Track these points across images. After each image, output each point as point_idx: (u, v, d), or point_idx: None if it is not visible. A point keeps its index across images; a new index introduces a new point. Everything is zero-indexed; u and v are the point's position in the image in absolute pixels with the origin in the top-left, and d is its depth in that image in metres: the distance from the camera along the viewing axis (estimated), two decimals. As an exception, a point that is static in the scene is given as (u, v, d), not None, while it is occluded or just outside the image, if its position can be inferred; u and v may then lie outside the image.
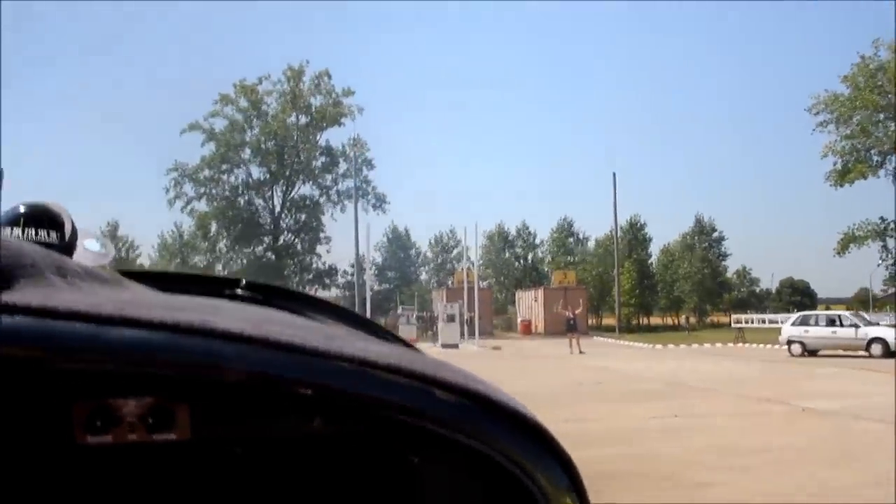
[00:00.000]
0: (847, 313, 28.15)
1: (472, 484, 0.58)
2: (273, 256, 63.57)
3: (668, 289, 68.10)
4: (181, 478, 0.53)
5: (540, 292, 53.91)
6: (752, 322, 44.32)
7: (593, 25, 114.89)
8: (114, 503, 0.54)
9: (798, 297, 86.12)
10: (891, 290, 65.88)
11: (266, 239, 64.50)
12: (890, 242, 61.25)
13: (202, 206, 62.54)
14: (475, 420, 0.54)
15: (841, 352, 26.43)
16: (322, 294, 60.08)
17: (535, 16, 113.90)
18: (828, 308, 77.88)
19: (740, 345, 37.00)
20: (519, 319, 54.96)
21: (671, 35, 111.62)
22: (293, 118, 62.19)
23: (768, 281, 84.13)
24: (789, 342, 27.67)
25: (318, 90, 61.95)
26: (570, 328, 33.10)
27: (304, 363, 0.49)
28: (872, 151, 59.57)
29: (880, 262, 63.96)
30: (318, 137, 63.18)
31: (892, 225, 60.13)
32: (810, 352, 26.95)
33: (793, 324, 28.18)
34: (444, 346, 36.05)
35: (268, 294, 0.83)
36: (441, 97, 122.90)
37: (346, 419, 0.53)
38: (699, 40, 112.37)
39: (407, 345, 0.77)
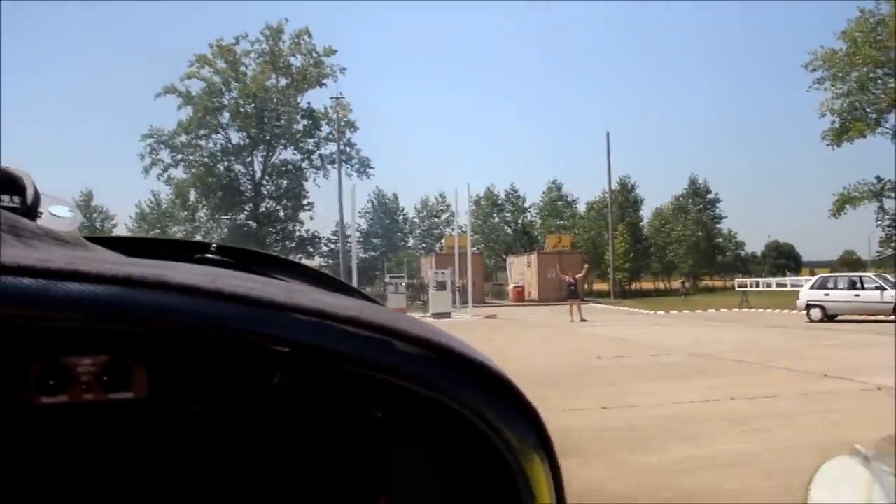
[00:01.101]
0: (871, 275, 26.33)
1: (438, 438, 0.57)
2: (254, 224, 61.34)
3: (661, 253, 66.39)
4: (139, 437, 0.52)
5: (533, 257, 51.89)
6: (758, 285, 42.49)
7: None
8: (71, 464, 0.53)
9: (783, 260, 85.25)
10: (888, 252, 64.40)
11: (247, 206, 62.37)
12: (887, 203, 59.97)
13: (179, 173, 60.45)
14: (438, 372, 0.53)
15: (862, 316, 24.79)
16: (305, 263, 58.03)
17: None
18: (813, 272, 76.98)
19: (746, 310, 35.41)
20: (511, 286, 53.07)
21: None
22: (273, 79, 59.73)
23: (754, 244, 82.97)
24: (808, 306, 25.94)
25: (298, 49, 59.56)
26: (571, 294, 31.26)
27: (261, 315, 0.48)
28: (869, 109, 57.97)
29: (878, 222, 62.36)
30: (298, 99, 60.97)
31: (888, 185, 58.86)
32: (829, 317, 25.30)
33: (812, 287, 26.39)
34: (436, 315, 34.13)
35: (238, 257, 0.82)
36: (426, 56, 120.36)
37: (306, 373, 0.53)
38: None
39: (371, 300, 0.75)
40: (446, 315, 34.51)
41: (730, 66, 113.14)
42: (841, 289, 25.35)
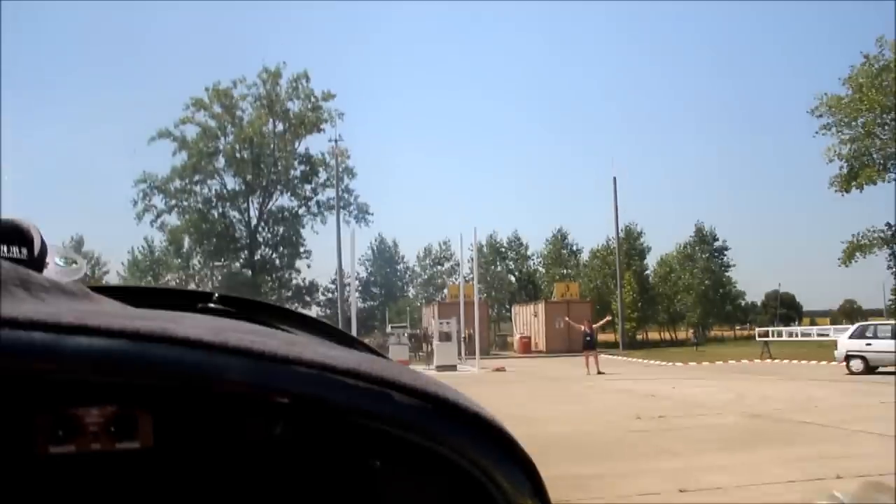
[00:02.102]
0: None
1: (435, 488, 0.58)
2: (250, 272, 59.35)
3: (668, 302, 64.33)
4: (145, 486, 0.53)
5: (541, 306, 49.78)
6: (780, 335, 40.22)
7: (588, 27, 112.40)
8: None
9: (784, 309, 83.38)
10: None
11: (242, 254, 60.40)
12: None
13: (173, 219, 58.59)
14: (435, 423, 0.54)
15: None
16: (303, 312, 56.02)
17: (527, 16, 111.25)
18: (813, 322, 75.16)
19: (769, 360, 33.35)
20: (517, 336, 50.92)
21: (667, 36, 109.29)
22: (270, 124, 58.29)
23: (753, 293, 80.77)
24: (848, 357, 23.92)
25: (295, 94, 58.25)
26: (587, 346, 29.15)
27: (264, 368, 0.50)
28: (876, 155, 56.76)
29: (890, 269, 60.48)
30: (296, 145, 59.42)
31: (899, 231, 57.36)
32: (870, 368, 23.28)
33: (851, 336, 24.38)
34: (440, 367, 32.00)
35: (239, 307, 0.83)
36: (427, 102, 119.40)
37: (307, 424, 0.53)
38: (696, 42, 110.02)
39: (373, 351, 0.77)
40: (451, 367, 32.36)
41: (734, 111, 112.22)
42: (883, 338, 23.36)
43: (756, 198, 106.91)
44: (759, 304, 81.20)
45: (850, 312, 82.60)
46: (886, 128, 55.83)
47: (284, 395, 0.50)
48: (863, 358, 23.50)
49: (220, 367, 0.48)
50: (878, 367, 23.30)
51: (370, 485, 0.57)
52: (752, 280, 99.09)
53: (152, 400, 0.51)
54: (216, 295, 0.86)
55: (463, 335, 35.88)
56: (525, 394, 19.74)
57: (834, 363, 27.03)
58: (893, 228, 56.96)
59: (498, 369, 31.73)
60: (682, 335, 66.95)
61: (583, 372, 27.74)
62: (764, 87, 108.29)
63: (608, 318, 38.15)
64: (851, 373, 23.48)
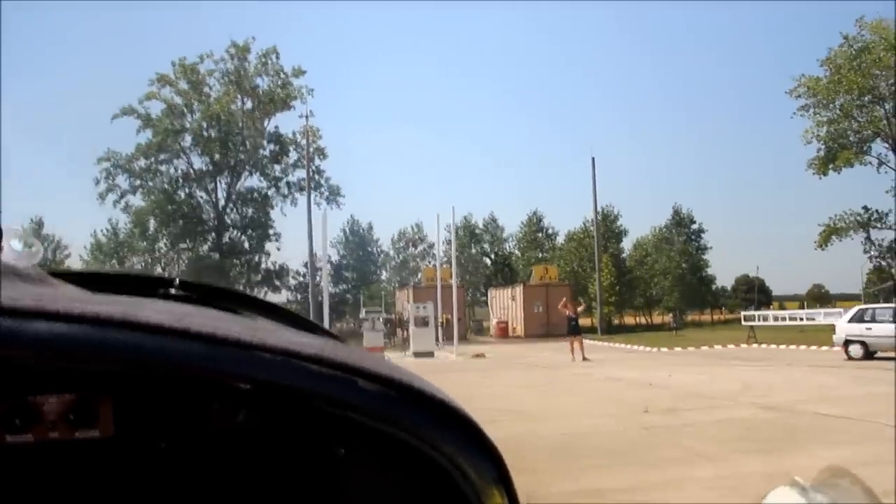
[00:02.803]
0: None
1: (399, 475, 0.58)
2: (217, 255, 57.50)
3: (645, 286, 63.44)
4: (105, 474, 0.52)
5: (518, 290, 48.50)
6: (765, 319, 39.24)
7: (566, 6, 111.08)
8: (36, 502, 0.53)
9: (753, 294, 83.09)
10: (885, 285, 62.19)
11: (209, 236, 58.44)
12: (874, 233, 57.94)
13: (138, 200, 56.54)
14: (399, 409, 0.54)
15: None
16: (272, 297, 54.43)
17: None
18: (782, 306, 74.76)
19: (756, 345, 32.39)
20: (494, 321, 49.70)
21: (645, 17, 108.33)
22: (238, 101, 56.33)
23: (725, 278, 79.85)
24: (847, 342, 22.93)
25: (264, 70, 56.26)
26: (572, 330, 27.93)
27: (227, 354, 0.49)
28: (852, 137, 56.25)
29: (867, 253, 60.19)
30: (265, 123, 57.43)
31: (875, 215, 57.03)
32: (869, 353, 22.33)
33: (850, 320, 23.33)
34: (417, 354, 30.68)
35: (202, 293, 0.83)
36: (401, 80, 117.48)
37: (270, 410, 0.53)
38: (675, 22, 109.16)
39: (336, 338, 0.77)
40: (428, 354, 31.03)
41: (712, 92, 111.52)
42: (883, 321, 22.36)
43: (733, 180, 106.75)
44: (728, 288, 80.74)
45: (819, 297, 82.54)
46: (864, 110, 55.35)
47: (247, 382, 0.50)
48: (862, 343, 22.48)
49: (181, 353, 0.48)
50: (875, 353, 22.35)
51: (335, 472, 0.56)
52: (725, 264, 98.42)
53: (113, 387, 0.49)
54: (178, 280, 0.83)
55: (440, 320, 34.51)
56: (512, 383, 18.43)
57: (826, 348, 26.21)
58: (870, 212, 56.71)
59: (478, 355, 30.45)
60: (657, 320, 66.22)
61: (567, 358, 26.58)
62: (743, 68, 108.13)
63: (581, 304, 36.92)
64: (850, 358, 22.47)
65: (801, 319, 38.37)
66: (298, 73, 56.30)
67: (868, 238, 57.92)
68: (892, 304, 25.47)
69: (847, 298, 75.96)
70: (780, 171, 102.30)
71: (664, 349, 32.24)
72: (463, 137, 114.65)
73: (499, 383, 18.25)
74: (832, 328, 24.87)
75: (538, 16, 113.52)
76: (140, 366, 0.47)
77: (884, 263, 61.27)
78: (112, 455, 0.51)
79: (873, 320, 22.70)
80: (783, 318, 39.32)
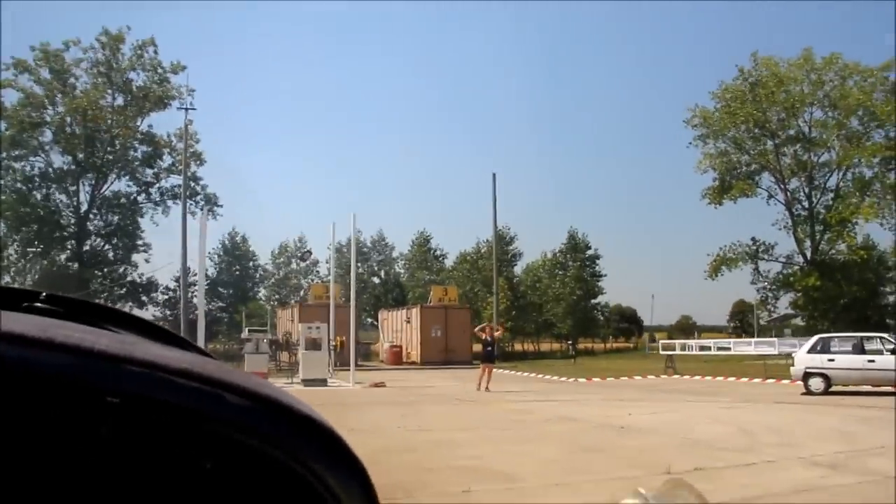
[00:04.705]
0: (888, 335, 21.32)
1: (266, 489, 0.57)
2: (76, 265, 51.53)
3: (538, 311, 61.27)
4: None
5: (415, 312, 44.94)
6: (679, 349, 37.44)
7: (471, 22, 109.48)
8: None
9: (626, 324, 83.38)
10: (777, 315, 62.49)
11: (69, 244, 52.38)
12: (762, 265, 58.10)
13: (-14, 200, 49.78)
14: (266, 424, 0.55)
15: (864, 387, 20.01)
16: (138, 314, 49.01)
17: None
18: (652, 337, 74.92)
19: (676, 377, 30.24)
20: (385, 345, 46.02)
21: (545, 39, 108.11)
22: (108, 96, 50.87)
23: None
24: (807, 374, 20.74)
25: (140, 63, 51.03)
26: (487, 357, 24.84)
27: (93, 366, 0.48)
28: (742, 169, 56.59)
29: (753, 284, 60.24)
30: (138, 122, 52.14)
31: (762, 246, 57.24)
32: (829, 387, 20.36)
33: (810, 350, 21.11)
34: (307, 382, 26.85)
35: (69, 307, 0.81)
36: (289, 85, 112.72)
37: (137, 423, 0.52)
38: (576, 45, 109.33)
39: (205, 353, 0.77)
40: (320, 382, 27.22)
41: (611, 118, 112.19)
42: (846, 352, 20.33)
43: (629, 207, 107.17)
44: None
45: (686, 328, 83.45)
46: (755, 143, 55.64)
47: (114, 394, 0.48)
48: (824, 376, 20.37)
49: (44, 364, 0.46)
50: (830, 386, 20.37)
51: (201, 485, 0.55)
52: (614, 291, 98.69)
53: None
54: (44, 294, 0.79)
55: (333, 343, 30.70)
56: (447, 425, 15.09)
57: (758, 380, 24.24)
58: (758, 243, 56.90)
59: (377, 384, 26.89)
60: (545, 347, 64.31)
61: (475, 388, 23.56)
62: (644, 96, 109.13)
63: (501, 328, 33.94)
64: (809, 392, 20.34)
65: (709, 349, 36.78)
66: (178, 68, 51.58)
67: (756, 269, 58.07)
68: (853, 333, 23.57)
69: (711, 330, 76.97)
70: (673, 201, 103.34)
71: (582, 380, 29.55)
72: (351, 150, 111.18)
73: (431, 424, 14.85)
74: (759, 357, 22.78)
75: (436, 33, 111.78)
76: (1, 376, 0.45)
77: (770, 295, 61.45)
78: None
79: (840, 351, 20.70)
80: (690, 348, 37.52)
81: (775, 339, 32.10)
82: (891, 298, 56.15)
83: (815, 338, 22.06)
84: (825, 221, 52.32)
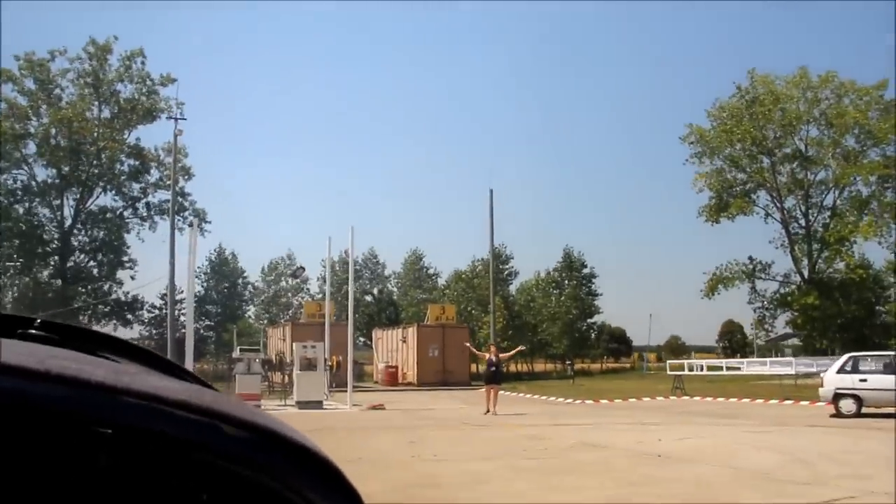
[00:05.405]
0: None
1: None
2: (59, 282, 49.95)
3: (533, 331, 60.00)
4: None
5: (411, 331, 43.54)
6: (682, 368, 36.20)
7: (463, 34, 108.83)
8: None
9: (615, 344, 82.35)
10: (774, 334, 61.70)
11: (51, 260, 50.84)
12: (760, 284, 57.36)
13: (-35, 213, 48.20)
14: (262, 454, 0.55)
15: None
16: (122, 332, 47.63)
17: (403, 12, 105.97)
18: (641, 357, 73.84)
19: (685, 398, 29.14)
20: (380, 365, 44.65)
21: (543, 51, 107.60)
22: (94, 108, 49.54)
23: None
24: (837, 395, 19.69)
25: (128, 75, 49.76)
26: (492, 378, 23.73)
27: (90, 398, 0.48)
28: (737, 188, 55.96)
29: (751, 304, 59.52)
30: (125, 135, 50.75)
31: (759, 265, 56.53)
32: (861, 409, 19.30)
33: (839, 370, 20.07)
34: (302, 404, 25.59)
35: (64, 334, 0.80)
36: (278, 99, 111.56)
37: (134, 455, 0.51)
38: (572, 61, 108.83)
39: (201, 382, 0.77)
40: (316, 404, 25.94)
41: (609, 133, 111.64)
42: (877, 371, 19.29)
43: (625, 226, 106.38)
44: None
45: (675, 348, 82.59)
46: (752, 161, 55.03)
47: (111, 426, 0.48)
48: (855, 397, 19.30)
49: (42, 396, 0.46)
50: (862, 408, 19.33)
51: None
52: (611, 310, 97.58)
53: None
54: (38, 320, 0.80)
55: (329, 363, 29.43)
56: (450, 449, 13.91)
57: (775, 401, 23.18)
58: (755, 262, 56.16)
59: (375, 407, 25.66)
60: (539, 367, 63.03)
61: (481, 411, 22.51)
62: (641, 113, 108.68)
63: (520, 347, 32.90)
64: (840, 414, 19.28)
65: (718, 370, 35.69)
66: (167, 81, 50.22)
67: (753, 288, 57.32)
68: (885, 353, 22.50)
69: (701, 350, 76.03)
70: (666, 220, 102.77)
71: (589, 402, 28.46)
72: (342, 166, 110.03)
73: (447, 453, 13.61)
74: (766, 378, 21.68)
75: (433, 47, 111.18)
76: None
77: (767, 314, 60.70)
78: None
79: (865, 370, 19.65)
80: (699, 368, 36.37)
81: (791, 359, 30.97)
82: (887, 318, 55.44)
83: (845, 357, 21.02)
84: (823, 240, 51.82)
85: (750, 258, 55.97)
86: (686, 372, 34.52)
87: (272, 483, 0.55)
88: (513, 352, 25.97)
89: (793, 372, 29.19)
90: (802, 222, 54.49)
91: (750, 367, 32.11)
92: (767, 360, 32.93)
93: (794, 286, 54.14)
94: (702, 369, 35.79)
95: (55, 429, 0.47)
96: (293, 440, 0.56)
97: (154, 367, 0.73)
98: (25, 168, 49.39)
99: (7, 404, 0.45)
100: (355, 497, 0.60)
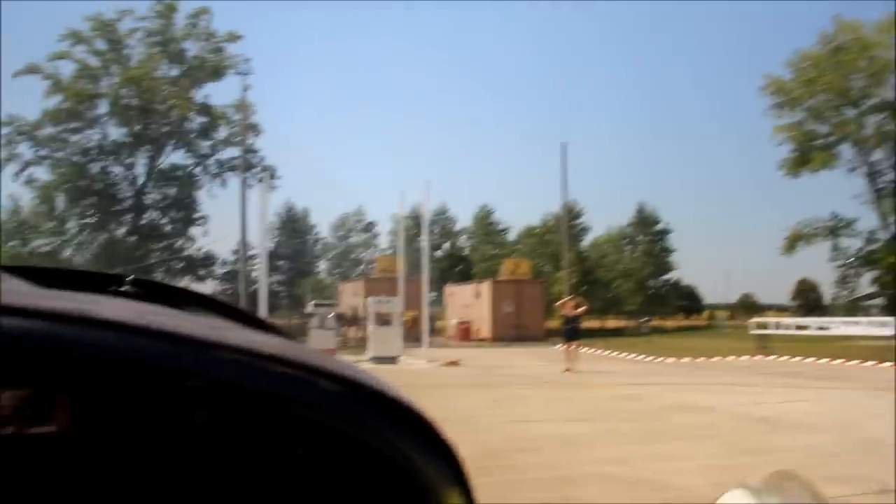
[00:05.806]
0: None
1: (358, 474, 0.57)
2: (134, 238, 50.59)
3: (606, 288, 58.77)
4: (61, 471, 0.50)
5: (485, 286, 42.85)
6: (765, 326, 34.51)
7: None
8: None
9: (685, 301, 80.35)
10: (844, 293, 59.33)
11: (126, 217, 51.47)
12: (842, 241, 54.97)
13: (43, 173, 49.20)
14: (359, 410, 0.55)
15: None
16: (196, 287, 47.93)
17: None
18: (712, 314, 71.68)
19: (771, 357, 27.75)
20: (452, 321, 44.15)
21: (618, 9, 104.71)
22: (163, 67, 49.55)
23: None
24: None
25: (194, 33, 49.57)
26: (570, 334, 22.88)
27: (187, 353, 0.49)
28: (820, 141, 53.20)
29: (834, 262, 57.19)
30: (193, 93, 50.58)
31: (842, 222, 54.08)
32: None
33: None
34: (377, 359, 25.18)
35: (152, 290, 0.82)
36: (346, 55, 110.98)
37: (230, 409, 0.52)
38: (647, 15, 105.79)
39: (289, 338, 0.73)
40: (391, 360, 25.52)
41: (686, 86, 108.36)
42: None
43: (702, 180, 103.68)
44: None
45: (748, 306, 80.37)
46: (835, 111, 52.23)
47: (208, 380, 0.49)
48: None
49: (141, 351, 0.47)
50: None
51: (294, 472, 0.55)
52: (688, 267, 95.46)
53: (71, 382, 0.48)
54: (131, 277, 0.81)
55: (403, 318, 28.92)
56: (537, 410, 13.14)
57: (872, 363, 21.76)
58: (838, 219, 53.77)
59: (451, 363, 25.04)
60: (611, 324, 61.89)
61: (560, 368, 21.80)
62: (716, 65, 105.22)
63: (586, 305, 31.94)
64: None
65: (804, 329, 33.95)
66: (233, 38, 49.94)
67: (836, 245, 55.01)
68: None
69: (776, 308, 73.71)
70: (748, 173, 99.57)
71: (670, 360, 27.31)
72: (412, 120, 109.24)
73: (534, 414, 12.84)
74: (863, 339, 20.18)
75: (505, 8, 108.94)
76: (98, 362, 0.46)
77: (850, 272, 58.30)
78: (68, 450, 0.49)
79: None
80: (786, 327, 34.66)
81: (892, 319, 29.16)
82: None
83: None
84: (912, 194, 49.11)
85: (833, 214, 53.43)
86: (770, 331, 32.82)
87: (369, 438, 0.54)
88: (581, 309, 25.02)
89: (892, 333, 27.52)
90: (890, 176, 51.62)
91: (844, 326, 30.34)
92: (860, 319, 31.14)
93: (880, 243, 51.60)
94: (789, 328, 33.95)
95: (156, 383, 0.48)
96: (389, 395, 0.55)
97: (242, 323, 0.71)
98: (99, 127, 50.00)
99: (112, 359, 0.46)
100: (450, 452, 0.59)
